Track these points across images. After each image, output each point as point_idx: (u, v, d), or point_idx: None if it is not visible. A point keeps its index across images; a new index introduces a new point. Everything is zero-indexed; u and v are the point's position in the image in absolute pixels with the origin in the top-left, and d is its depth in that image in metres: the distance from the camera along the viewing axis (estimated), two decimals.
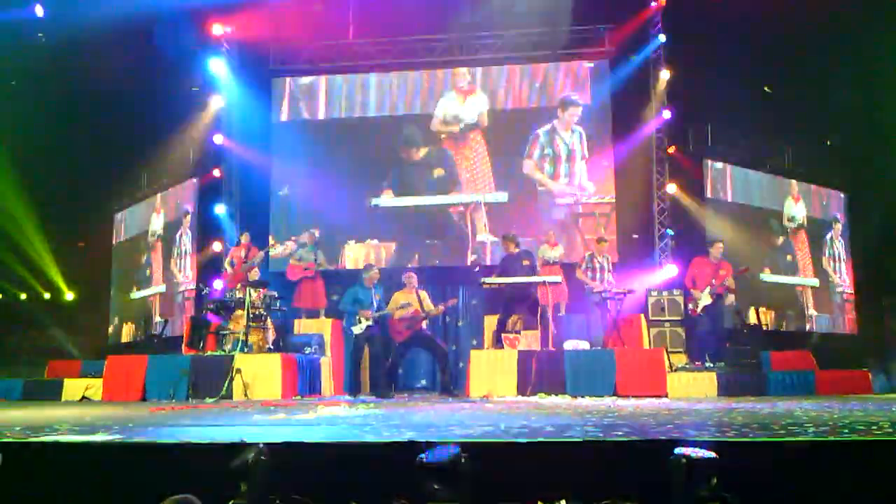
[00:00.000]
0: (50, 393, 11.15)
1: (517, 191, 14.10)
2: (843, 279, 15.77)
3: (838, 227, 15.91)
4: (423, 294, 10.71)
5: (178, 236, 15.57)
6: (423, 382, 12.90)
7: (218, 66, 14.38)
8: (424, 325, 10.54)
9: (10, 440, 4.30)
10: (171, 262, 15.67)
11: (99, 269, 16.98)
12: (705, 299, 11.00)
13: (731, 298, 11.96)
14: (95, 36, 13.47)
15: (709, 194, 13.99)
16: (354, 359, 10.85)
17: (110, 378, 10.21)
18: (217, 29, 14.31)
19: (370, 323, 10.43)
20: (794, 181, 15.39)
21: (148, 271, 16.36)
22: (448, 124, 14.44)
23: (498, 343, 10.25)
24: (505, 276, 10.42)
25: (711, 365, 10.35)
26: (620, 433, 4.25)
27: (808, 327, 14.91)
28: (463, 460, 3.50)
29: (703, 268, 11.26)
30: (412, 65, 14.75)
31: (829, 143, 14.93)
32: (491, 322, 11.01)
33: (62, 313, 16.84)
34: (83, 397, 10.73)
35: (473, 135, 14.36)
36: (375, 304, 10.54)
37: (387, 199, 14.28)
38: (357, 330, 10.52)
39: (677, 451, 3.42)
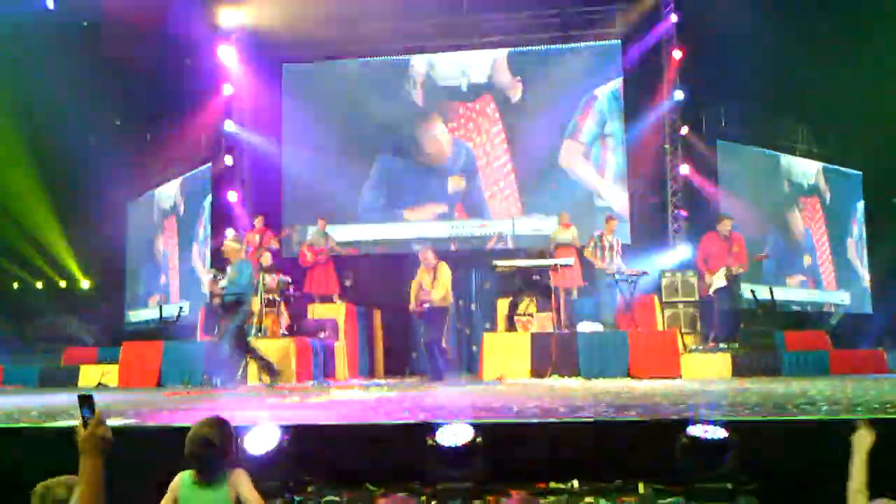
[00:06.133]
0: (66, 379, 11.22)
1: (534, 166, 14.11)
2: (862, 259, 15.67)
3: (859, 206, 15.79)
4: (442, 272, 10.01)
5: (192, 223, 15.63)
6: None
7: (228, 54, 14.37)
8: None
9: (27, 425, 4.35)
10: (186, 249, 15.74)
11: (114, 257, 17.08)
12: (719, 281, 10.60)
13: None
14: (108, 25, 13.57)
15: (722, 175, 13.88)
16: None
17: (126, 364, 10.29)
18: (227, 17, 14.28)
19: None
20: (809, 160, 15.29)
21: (163, 259, 16.44)
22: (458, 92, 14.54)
23: (511, 326, 10.24)
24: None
25: (725, 346, 10.29)
26: (633, 413, 4.25)
27: (825, 307, 14.86)
28: (477, 440, 3.51)
29: (715, 245, 10.84)
30: (421, 48, 14.69)
31: None
32: (503, 305, 10.99)
33: (78, 301, 16.98)
34: (99, 384, 10.78)
35: (486, 102, 14.40)
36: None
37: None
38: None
39: (689, 430, 3.42)
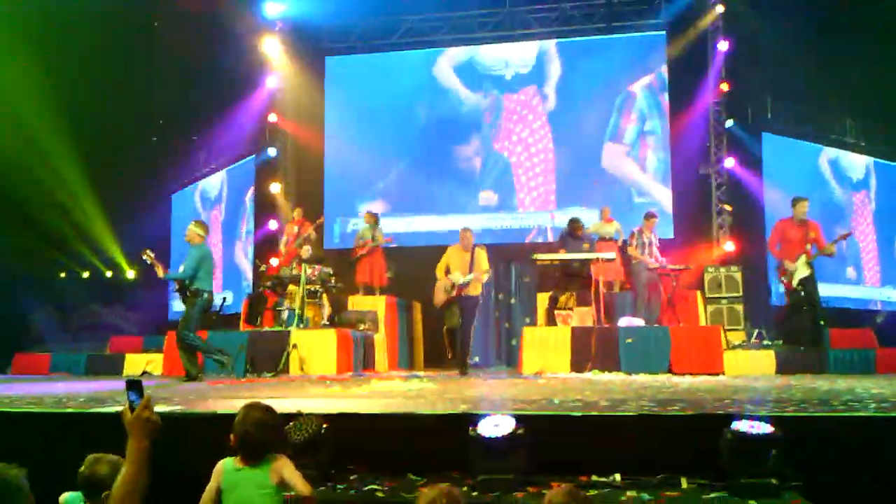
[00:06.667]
0: (111, 368, 11.43)
1: (574, 159, 14.03)
2: None
3: None
4: (480, 256, 9.88)
5: (235, 215, 15.79)
6: (476, 359, 12.81)
7: (272, 46, 14.47)
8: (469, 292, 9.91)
9: (73, 410, 4.44)
10: (229, 240, 15.91)
11: (159, 248, 17.27)
12: (802, 270, 9.73)
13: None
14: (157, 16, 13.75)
15: (767, 168, 13.64)
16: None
17: (170, 353, 10.41)
18: (271, 8, 14.38)
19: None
20: (858, 154, 14.98)
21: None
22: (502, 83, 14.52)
23: (551, 320, 10.18)
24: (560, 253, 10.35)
25: (769, 343, 10.10)
26: (676, 408, 4.21)
27: (871, 304, 14.58)
28: (519, 432, 3.50)
29: (789, 231, 10.01)
30: (465, 40, 14.67)
31: None
32: (544, 299, 10.94)
33: (124, 291, 17.25)
34: (144, 372, 10.98)
35: (528, 94, 14.38)
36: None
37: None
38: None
39: (734, 425, 3.38)
